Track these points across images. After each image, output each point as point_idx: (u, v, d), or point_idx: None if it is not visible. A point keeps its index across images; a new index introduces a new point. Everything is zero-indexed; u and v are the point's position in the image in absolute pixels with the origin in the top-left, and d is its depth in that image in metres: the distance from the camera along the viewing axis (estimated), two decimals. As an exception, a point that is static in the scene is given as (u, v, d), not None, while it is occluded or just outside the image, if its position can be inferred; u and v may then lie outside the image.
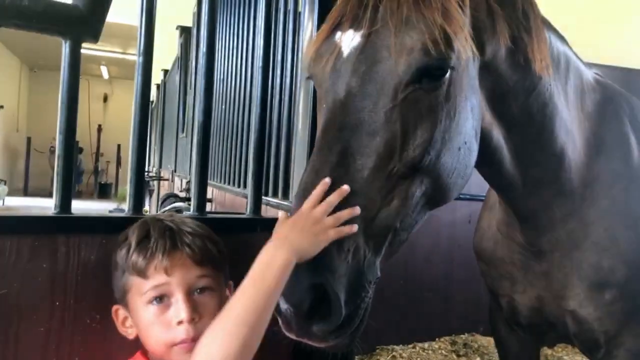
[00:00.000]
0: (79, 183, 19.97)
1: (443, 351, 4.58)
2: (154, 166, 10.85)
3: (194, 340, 1.16)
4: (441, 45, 1.19)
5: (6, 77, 17.61)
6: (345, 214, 1.10)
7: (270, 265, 1.04)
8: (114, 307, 1.29)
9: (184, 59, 7.41)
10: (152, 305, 1.20)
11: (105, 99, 21.53)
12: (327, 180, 1.13)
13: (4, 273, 1.29)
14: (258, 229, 1.59)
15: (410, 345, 4.63)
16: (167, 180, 8.25)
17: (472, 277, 4.78)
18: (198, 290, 1.23)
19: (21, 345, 1.31)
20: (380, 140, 1.18)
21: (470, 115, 1.32)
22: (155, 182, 8.99)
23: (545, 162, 1.68)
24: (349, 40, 1.27)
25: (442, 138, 1.24)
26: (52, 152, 16.37)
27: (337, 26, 1.31)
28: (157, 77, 10.30)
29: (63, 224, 1.26)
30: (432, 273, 4.72)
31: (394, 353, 4.41)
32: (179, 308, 1.18)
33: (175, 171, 7.37)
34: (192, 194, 1.55)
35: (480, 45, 1.39)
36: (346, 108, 1.21)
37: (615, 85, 2.07)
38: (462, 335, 4.88)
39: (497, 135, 1.55)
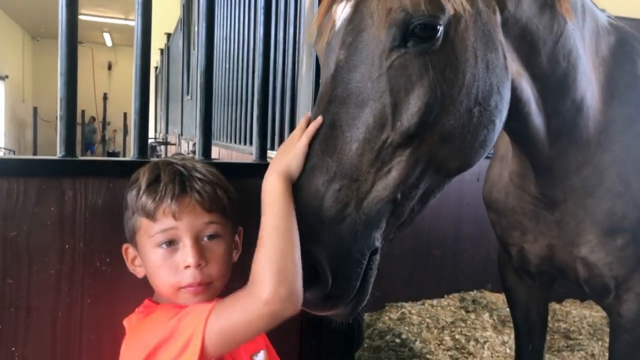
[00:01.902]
0: (92, 151, 20.03)
1: (452, 307, 4.63)
2: (160, 132, 10.86)
3: (200, 284, 1.19)
4: (422, 4, 1.15)
5: (9, 46, 17.48)
6: (311, 125, 1.17)
7: (270, 192, 1.12)
8: (124, 246, 1.30)
9: (186, 20, 7.30)
10: (160, 248, 1.20)
11: (109, 67, 21.39)
12: (319, 119, 1.17)
13: (13, 215, 1.29)
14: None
15: (419, 302, 4.68)
16: (174, 145, 8.26)
17: (480, 234, 4.82)
18: (206, 237, 1.23)
19: (34, 288, 1.32)
20: (369, 111, 1.15)
21: (485, 74, 1.25)
22: (163, 147, 9.00)
23: (566, 111, 1.64)
24: (341, 12, 1.25)
25: (442, 103, 1.18)
26: (59, 121, 16.28)
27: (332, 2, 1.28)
28: (160, 42, 10.19)
29: (68, 167, 1.26)
30: (441, 231, 4.73)
31: (403, 310, 4.47)
32: (187, 253, 1.19)
33: (182, 135, 7.36)
34: (197, 138, 1.54)
35: None
36: (335, 81, 1.19)
37: (629, 28, 2.01)
38: (470, 292, 4.93)
39: (527, 87, 1.50)
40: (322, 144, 1.15)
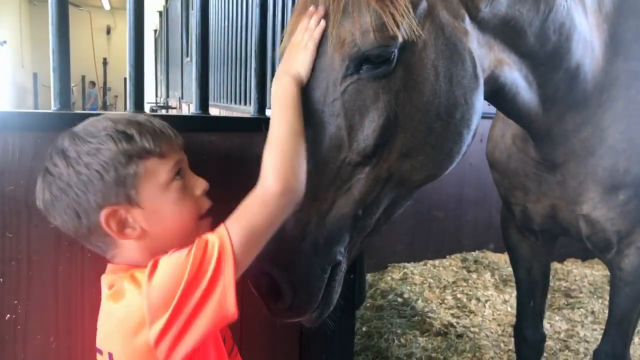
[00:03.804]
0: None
1: (454, 268, 4.68)
2: (161, 96, 10.78)
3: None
4: (371, 34, 1.15)
5: (6, 11, 17.19)
6: (317, 30, 1.20)
7: (283, 95, 1.17)
8: (105, 212, 1.09)
9: (185, -19, 7.14)
10: (176, 180, 1.16)
11: (108, 31, 21.09)
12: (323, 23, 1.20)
13: (10, 169, 1.28)
14: (263, 128, 1.54)
15: (421, 263, 4.73)
16: (174, 108, 8.21)
17: (483, 196, 4.82)
18: None
19: (34, 241, 1.32)
20: (326, 133, 1.18)
21: (449, 87, 1.24)
22: (164, 111, 8.95)
23: (559, 80, 1.61)
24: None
25: (398, 123, 1.20)
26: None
27: (301, 15, 1.27)
28: (159, 4, 10.02)
29: (65, 120, 1.23)
30: (443, 192, 4.73)
31: (405, 270, 4.52)
32: (197, 179, 1.22)
33: (182, 98, 7.31)
34: (194, 91, 1.52)
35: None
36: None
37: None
38: (472, 253, 4.97)
39: (511, 71, 1.47)
40: None
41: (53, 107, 1.35)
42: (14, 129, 1.27)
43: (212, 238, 1.05)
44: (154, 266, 1.05)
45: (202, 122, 1.47)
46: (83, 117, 1.36)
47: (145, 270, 1.05)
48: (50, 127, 1.29)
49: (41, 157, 1.29)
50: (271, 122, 1.16)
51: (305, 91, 1.21)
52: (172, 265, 1.04)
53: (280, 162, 1.10)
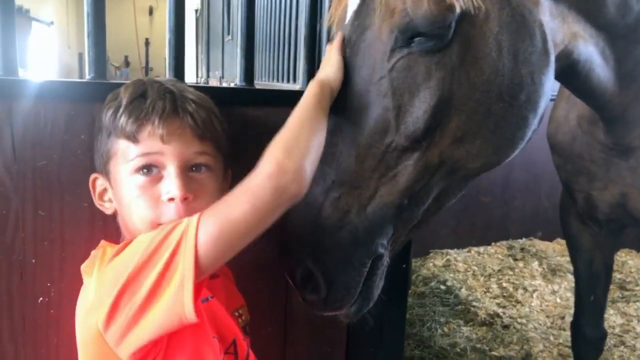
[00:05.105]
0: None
1: (499, 255, 4.51)
2: (201, 77, 10.82)
3: None
4: (425, 4, 1.01)
5: (53, -8, 17.56)
6: (337, 39, 1.14)
7: (305, 92, 1.08)
8: (92, 176, 1.14)
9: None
10: (139, 175, 1.04)
11: (150, 11, 21.29)
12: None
13: (41, 143, 1.20)
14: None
15: (465, 250, 4.58)
16: (215, 88, 8.21)
17: (531, 180, 4.61)
18: (194, 168, 1.08)
19: (67, 220, 1.25)
20: (371, 115, 1.09)
21: (513, 65, 1.09)
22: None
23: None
24: (352, 2, 1.15)
25: (453, 104, 1.07)
26: (103, 66, 16.28)
27: None
28: (200, -18, 9.99)
29: (99, 90, 1.14)
30: (490, 176, 4.53)
31: (448, 257, 4.39)
32: (171, 183, 1.02)
33: (223, 77, 7.29)
34: (238, 62, 1.40)
35: None
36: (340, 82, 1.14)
37: None
38: (519, 240, 4.79)
39: (587, 45, 1.32)
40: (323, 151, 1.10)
41: (87, 76, 1.27)
42: (45, 99, 1.19)
43: (182, 224, 0.93)
44: (126, 244, 0.99)
45: (246, 95, 1.36)
46: (119, 86, 1.27)
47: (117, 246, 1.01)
48: (84, 98, 1.20)
49: (74, 131, 1.21)
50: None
51: (349, 71, 1.10)
52: (134, 245, 0.97)
53: (277, 145, 0.96)
